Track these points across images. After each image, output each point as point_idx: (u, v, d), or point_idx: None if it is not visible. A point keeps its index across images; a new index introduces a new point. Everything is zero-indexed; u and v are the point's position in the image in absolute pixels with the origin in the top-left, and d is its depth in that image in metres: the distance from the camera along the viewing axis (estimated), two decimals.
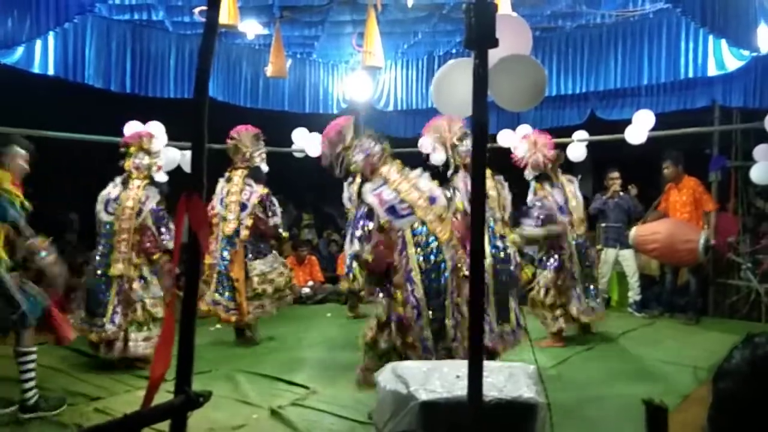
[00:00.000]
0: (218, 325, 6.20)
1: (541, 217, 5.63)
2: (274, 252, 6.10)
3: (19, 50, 5.53)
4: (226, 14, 5.06)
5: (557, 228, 5.71)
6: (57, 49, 5.98)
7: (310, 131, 7.69)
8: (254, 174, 5.93)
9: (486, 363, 1.93)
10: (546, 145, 5.87)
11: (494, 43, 1.75)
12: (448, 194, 4.19)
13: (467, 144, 4.51)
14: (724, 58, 6.11)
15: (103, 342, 4.94)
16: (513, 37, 2.77)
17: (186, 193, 1.59)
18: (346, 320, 6.89)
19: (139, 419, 1.49)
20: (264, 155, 6.09)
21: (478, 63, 1.73)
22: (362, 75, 7.87)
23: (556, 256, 5.81)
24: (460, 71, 2.79)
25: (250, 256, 5.80)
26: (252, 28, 6.51)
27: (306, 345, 5.93)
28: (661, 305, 7.40)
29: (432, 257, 3.88)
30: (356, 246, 3.93)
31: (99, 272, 5.05)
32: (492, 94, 2.49)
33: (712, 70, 6.30)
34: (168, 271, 5.23)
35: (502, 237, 4.79)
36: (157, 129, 5.64)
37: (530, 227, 5.59)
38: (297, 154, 7.78)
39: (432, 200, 4.00)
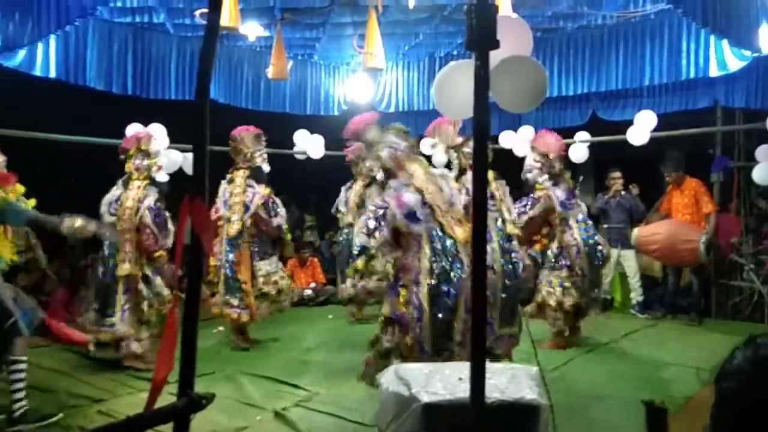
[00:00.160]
0: (221, 327, 6.21)
1: None
2: (275, 255, 6.11)
3: (21, 53, 5.54)
4: (228, 16, 5.08)
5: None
6: (58, 51, 5.99)
7: (312, 133, 7.72)
8: (255, 174, 5.93)
9: (488, 365, 1.93)
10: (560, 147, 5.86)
11: (495, 45, 1.75)
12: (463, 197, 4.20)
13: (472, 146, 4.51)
14: (725, 59, 6.11)
15: (115, 342, 4.98)
16: (514, 39, 2.78)
17: (189, 195, 1.59)
18: (347, 322, 6.88)
19: (141, 421, 1.48)
20: (265, 155, 6.09)
21: (479, 64, 1.73)
22: (363, 77, 7.88)
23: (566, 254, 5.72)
24: (462, 73, 2.80)
25: (257, 258, 5.82)
26: (253, 30, 6.52)
27: (308, 347, 5.93)
28: (664, 306, 7.39)
29: (447, 258, 3.87)
30: (364, 239, 3.90)
31: (106, 273, 5.09)
32: (493, 96, 2.49)
33: (714, 71, 6.30)
34: (171, 273, 5.24)
35: (510, 238, 4.79)
36: (157, 130, 5.68)
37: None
38: (299, 156, 7.80)
39: (452, 204, 4.01)
